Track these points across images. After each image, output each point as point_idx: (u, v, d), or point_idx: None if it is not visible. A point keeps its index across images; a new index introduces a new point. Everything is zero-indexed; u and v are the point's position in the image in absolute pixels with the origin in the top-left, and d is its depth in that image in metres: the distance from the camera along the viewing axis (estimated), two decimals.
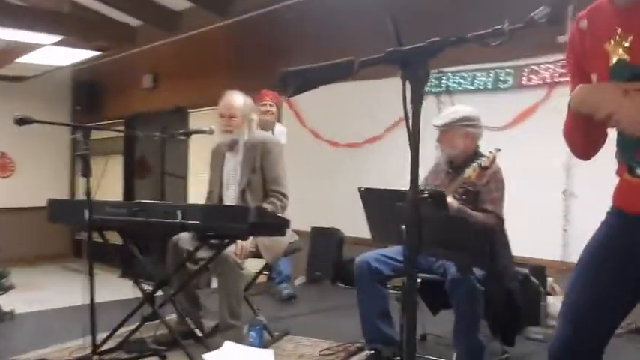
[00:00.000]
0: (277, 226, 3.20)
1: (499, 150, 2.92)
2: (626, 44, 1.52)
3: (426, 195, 2.68)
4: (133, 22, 8.21)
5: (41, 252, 9.73)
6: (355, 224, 4.59)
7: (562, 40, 4.30)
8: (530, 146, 4.41)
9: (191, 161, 7.84)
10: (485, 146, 3.38)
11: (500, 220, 3.16)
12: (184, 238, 3.56)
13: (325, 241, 5.73)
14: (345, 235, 5.67)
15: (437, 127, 3.33)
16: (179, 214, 3.06)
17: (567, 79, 4.64)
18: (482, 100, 4.63)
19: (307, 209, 5.05)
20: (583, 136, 1.70)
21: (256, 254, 3.57)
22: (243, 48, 7.07)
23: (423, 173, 3.70)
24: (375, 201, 3.05)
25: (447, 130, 3.30)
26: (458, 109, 3.40)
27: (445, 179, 3.35)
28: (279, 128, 5.22)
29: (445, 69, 4.92)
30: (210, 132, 3.71)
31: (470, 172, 2.93)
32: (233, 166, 3.78)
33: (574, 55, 1.71)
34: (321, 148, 6.06)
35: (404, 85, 1.37)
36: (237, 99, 3.74)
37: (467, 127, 3.28)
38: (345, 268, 5.30)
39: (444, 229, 2.65)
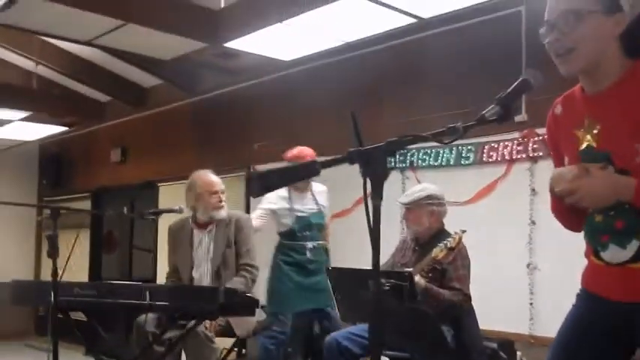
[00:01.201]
0: (247, 305, 3.20)
1: (464, 231, 3.02)
2: (595, 131, 1.61)
3: (388, 287, 2.72)
4: (102, 97, 8.30)
5: (1, 329, 9.39)
6: None
7: (519, 119, 4.48)
8: (493, 220, 4.51)
9: (160, 235, 7.77)
10: (450, 220, 3.47)
11: (467, 297, 3.22)
12: (149, 320, 3.52)
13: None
14: None
15: (403, 204, 3.42)
16: (147, 295, 3.05)
17: (524, 155, 4.78)
18: (446, 175, 4.75)
19: None
20: (569, 213, 1.75)
21: (225, 330, 3.54)
22: (210, 124, 7.18)
23: (390, 249, 3.75)
24: (343, 280, 3.09)
25: (413, 208, 3.39)
26: (424, 187, 3.51)
27: (412, 256, 3.41)
28: (318, 187, 4.51)
29: (410, 146, 5.06)
30: (180, 211, 3.75)
31: (437, 252, 3.01)
32: (207, 243, 3.80)
33: (551, 138, 1.81)
34: None
35: (364, 182, 1.43)
36: (216, 176, 3.86)
37: (432, 205, 3.38)
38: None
39: (405, 321, 2.70)
